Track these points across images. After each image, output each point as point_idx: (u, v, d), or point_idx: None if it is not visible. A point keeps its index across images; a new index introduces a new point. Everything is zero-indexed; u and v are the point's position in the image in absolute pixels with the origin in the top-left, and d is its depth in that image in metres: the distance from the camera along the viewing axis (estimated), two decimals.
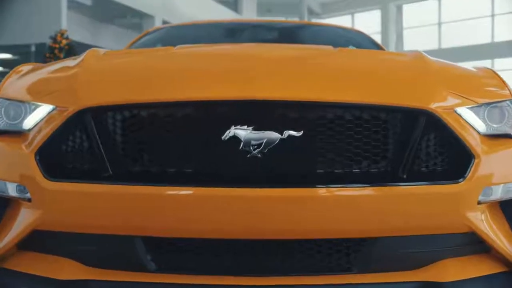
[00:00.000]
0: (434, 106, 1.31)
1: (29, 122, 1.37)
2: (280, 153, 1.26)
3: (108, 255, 1.33)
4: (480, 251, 1.39)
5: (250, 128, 1.25)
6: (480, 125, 1.36)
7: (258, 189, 1.23)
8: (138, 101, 1.30)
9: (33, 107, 1.38)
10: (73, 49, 11.74)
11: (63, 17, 12.98)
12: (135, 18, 16.44)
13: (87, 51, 1.63)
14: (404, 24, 25.29)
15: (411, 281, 1.32)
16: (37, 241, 1.35)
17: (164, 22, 15.72)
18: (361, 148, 1.30)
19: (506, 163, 1.37)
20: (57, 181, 1.28)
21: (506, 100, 1.44)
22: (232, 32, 3.06)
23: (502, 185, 1.34)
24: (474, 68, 1.67)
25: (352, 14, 26.24)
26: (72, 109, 1.30)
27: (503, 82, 1.54)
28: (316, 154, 1.29)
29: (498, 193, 1.34)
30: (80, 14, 15.34)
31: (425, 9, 24.21)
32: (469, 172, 1.30)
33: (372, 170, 1.30)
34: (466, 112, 1.36)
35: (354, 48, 2.69)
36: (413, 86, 1.39)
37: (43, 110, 1.36)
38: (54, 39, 11.78)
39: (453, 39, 22.59)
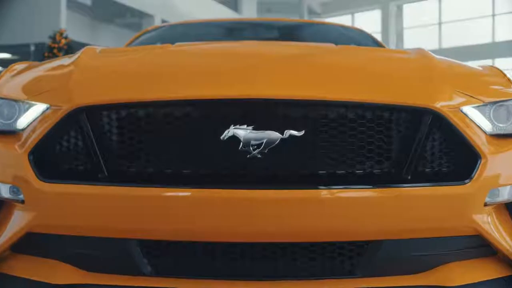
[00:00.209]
0: (439, 105, 1.28)
1: (23, 121, 1.33)
2: (281, 153, 1.22)
3: (103, 258, 1.29)
4: (486, 254, 1.35)
5: (250, 127, 1.22)
6: (487, 125, 1.33)
7: (258, 191, 1.19)
8: (134, 99, 1.27)
9: (26, 106, 1.34)
10: (72, 49, 11.70)
11: (62, 16, 12.96)
12: (134, 18, 16.44)
13: (83, 49, 1.60)
14: (404, 24, 25.26)
15: (416, 285, 1.28)
16: (31, 244, 1.32)
17: (164, 22, 15.70)
18: (364, 148, 1.26)
19: None
20: (51, 182, 1.25)
21: None
22: (232, 31, 3.03)
23: (509, 186, 1.31)
24: (480, 66, 1.63)
25: (352, 13, 26.22)
26: (66, 108, 1.27)
27: (509, 80, 1.51)
28: (318, 155, 1.25)
29: (505, 194, 1.31)
30: (80, 14, 15.32)
31: (426, 8, 24.18)
32: (475, 173, 1.26)
33: (376, 171, 1.27)
34: (472, 111, 1.32)
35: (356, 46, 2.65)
36: (417, 85, 1.35)
37: (37, 109, 1.32)
38: (53, 38, 11.76)
39: (454, 39, 22.56)
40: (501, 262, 1.34)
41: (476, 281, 1.31)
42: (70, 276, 1.29)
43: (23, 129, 1.32)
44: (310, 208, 1.21)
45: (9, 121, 1.35)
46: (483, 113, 1.34)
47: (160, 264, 1.28)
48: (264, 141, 1.22)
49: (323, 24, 3.75)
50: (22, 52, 13.17)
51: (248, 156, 1.22)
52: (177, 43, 1.72)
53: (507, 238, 1.31)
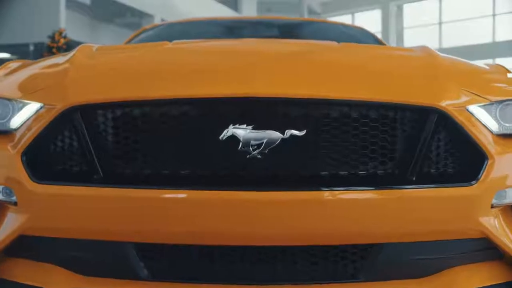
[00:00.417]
0: (445, 104, 1.24)
1: (16, 121, 1.29)
2: (282, 153, 1.19)
3: (99, 262, 1.25)
4: (492, 257, 1.31)
5: (250, 127, 1.18)
6: (493, 124, 1.29)
7: (258, 192, 1.16)
8: (131, 98, 1.23)
9: (20, 105, 1.31)
10: (71, 48, 11.63)
11: (62, 16, 12.94)
12: (134, 17, 16.44)
13: (78, 46, 1.56)
14: (405, 24, 25.24)
15: None
16: (24, 247, 1.28)
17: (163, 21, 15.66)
18: (367, 148, 1.22)
19: None
20: (44, 184, 1.21)
21: None
22: (232, 29, 3.00)
23: None
24: (485, 64, 1.60)
25: (353, 13, 26.20)
26: (60, 107, 1.23)
27: None
28: (320, 155, 1.22)
29: None
30: (79, 13, 15.31)
31: (426, 8, 24.15)
32: (482, 174, 1.22)
33: (379, 171, 1.23)
34: (478, 111, 1.29)
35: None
36: (422, 83, 1.32)
37: (30, 108, 1.29)
38: (52, 38, 11.73)
39: (454, 38, 22.53)
40: (508, 265, 1.31)
41: (482, 285, 1.27)
42: (65, 280, 1.26)
43: (16, 129, 1.29)
44: (312, 210, 1.17)
45: (2, 121, 1.31)
46: (489, 112, 1.30)
47: (157, 267, 1.24)
48: (264, 141, 1.18)
49: (324, 22, 3.71)
50: (21, 52, 13.14)
51: (247, 156, 1.18)
52: (175, 41, 1.68)
53: None
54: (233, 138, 1.18)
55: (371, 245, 1.23)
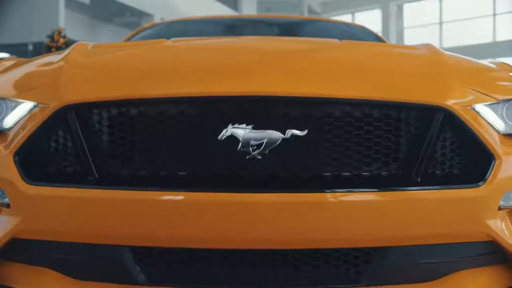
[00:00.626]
0: (451, 102, 1.20)
1: (10, 120, 1.26)
2: (282, 154, 1.15)
3: (94, 266, 1.22)
4: (499, 261, 1.28)
5: (249, 126, 1.15)
6: (499, 124, 1.25)
7: (257, 194, 1.12)
8: (126, 97, 1.19)
9: (13, 104, 1.27)
10: None
11: (61, 15, 12.92)
12: (133, 17, 16.43)
13: (74, 44, 1.53)
14: (405, 24, 25.22)
15: None
16: (17, 250, 1.24)
17: None
18: (371, 148, 1.19)
19: None
20: (37, 185, 1.18)
21: None
22: (232, 28, 2.97)
23: None
24: (491, 62, 1.56)
25: (353, 13, 26.19)
26: (53, 106, 1.20)
27: None
28: (322, 156, 1.18)
29: None
30: (79, 13, 15.30)
31: (426, 8, 24.13)
32: (489, 174, 1.19)
33: (383, 173, 1.20)
34: (484, 110, 1.25)
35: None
36: (427, 81, 1.28)
37: (24, 107, 1.25)
38: (51, 37, 11.69)
39: (454, 38, 22.50)
40: None
41: None
42: (59, 284, 1.22)
43: (9, 129, 1.25)
44: (314, 212, 1.13)
45: None
46: (496, 112, 1.27)
47: (154, 272, 1.20)
48: (265, 141, 1.15)
49: (325, 21, 3.67)
50: (20, 52, 13.10)
51: (247, 157, 1.15)
52: (173, 38, 1.65)
53: None
54: (233, 138, 1.15)
55: (375, 249, 1.19)
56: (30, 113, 1.23)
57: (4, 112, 1.28)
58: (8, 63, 1.51)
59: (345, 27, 3.03)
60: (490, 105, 1.26)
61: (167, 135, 1.19)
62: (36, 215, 1.19)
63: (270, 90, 1.17)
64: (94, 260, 1.21)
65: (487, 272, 1.27)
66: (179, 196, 1.13)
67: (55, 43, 11.63)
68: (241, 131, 1.15)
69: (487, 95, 1.28)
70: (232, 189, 1.12)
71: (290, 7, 24.41)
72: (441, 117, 1.19)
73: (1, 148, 1.22)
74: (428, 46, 1.55)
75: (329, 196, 1.13)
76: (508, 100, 1.29)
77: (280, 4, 25.21)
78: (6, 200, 1.20)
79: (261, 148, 1.14)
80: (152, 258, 1.20)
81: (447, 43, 23.06)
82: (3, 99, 1.29)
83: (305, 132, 1.16)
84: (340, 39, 1.82)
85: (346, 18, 25.63)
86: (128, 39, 2.85)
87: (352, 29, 3.02)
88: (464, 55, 1.60)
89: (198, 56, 1.45)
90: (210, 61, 1.35)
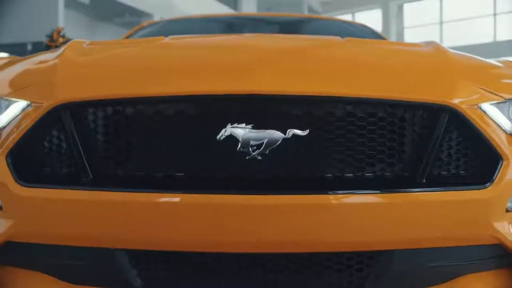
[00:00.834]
0: (457, 101, 1.17)
1: (2, 120, 1.22)
2: (283, 155, 1.11)
3: (89, 270, 1.18)
4: (506, 264, 1.24)
5: (249, 126, 1.11)
6: (507, 123, 1.22)
7: (257, 196, 1.08)
8: (122, 95, 1.16)
9: (6, 103, 1.24)
10: None
11: (60, 15, 12.89)
12: (133, 17, 16.41)
13: (69, 42, 1.49)
14: (405, 23, 25.20)
15: None
16: (10, 254, 1.20)
17: None
18: (375, 149, 1.15)
19: None
20: (31, 187, 1.14)
21: None
22: (232, 26, 2.94)
23: None
24: (497, 60, 1.53)
25: (353, 13, 26.17)
26: (47, 104, 1.16)
27: None
28: (324, 156, 1.14)
29: None
30: (78, 13, 15.28)
31: (426, 8, 24.10)
32: (496, 175, 1.15)
33: (387, 174, 1.16)
34: (491, 109, 1.21)
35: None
36: (432, 80, 1.24)
37: (17, 106, 1.22)
38: (50, 37, 11.65)
39: (455, 38, 22.45)
40: None
41: None
42: None
43: (1, 128, 1.22)
44: (316, 215, 1.10)
45: None
46: (502, 111, 1.23)
47: (151, 276, 1.17)
48: (265, 141, 1.11)
49: (325, 19, 3.64)
50: (19, 51, 13.00)
51: (247, 157, 1.11)
52: (170, 36, 1.61)
53: None
54: (232, 138, 1.11)
55: (380, 252, 1.16)
56: (23, 113, 1.20)
57: None
58: (1, 62, 1.48)
59: (346, 25, 3.00)
60: (497, 104, 1.23)
61: (164, 135, 1.15)
62: (30, 218, 1.16)
63: (270, 89, 1.13)
64: (89, 264, 1.17)
65: (495, 276, 1.24)
66: (176, 198, 1.09)
67: (54, 42, 11.57)
68: (241, 131, 1.11)
69: (494, 94, 1.25)
70: (231, 191, 1.09)
71: (290, 6, 24.39)
72: (447, 117, 1.16)
73: None
74: (432, 44, 1.51)
75: (331, 198, 1.09)
76: None
77: (280, 4, 25.18)
78: None
79: (261, 149, 1.11)
80: (149, 262, 1.17)
81: (447, 43, 22.98)
82: None
83: (307, 132, 1.12)
84: (342, 37, 1.78)
85: (346, 17, 25.55)
86: (127, 38, 2.81)
87: (353, 28, 2.98)
88: None
89: (197, 54, 1.42)
90: (209, 59, 1.32)
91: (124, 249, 1.15)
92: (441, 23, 23.84)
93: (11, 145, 1.17)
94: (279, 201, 1.08)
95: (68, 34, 12.31)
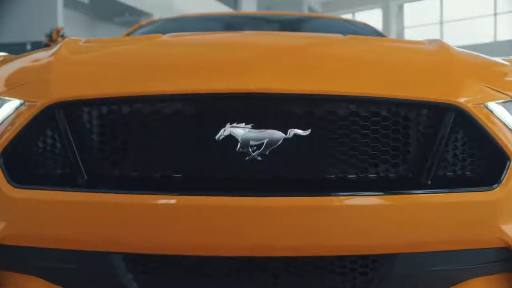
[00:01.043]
0: (463, 100, 1.14)
1: None
2: (284, 155, 1.08)
3: (84, 274, 1.14)
4: (510, 268, 1.20)
5: (249, 126, 1.08)
6: None
7: (257, 198, 1.05)
8: (118, 94, 1.13)
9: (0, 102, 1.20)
10: None
11: (59, 14, 12.88)
12: (133, 16, 16.40)
13: (64, 39, 1.46)
14: (405, 23, 25.20)
15: None
16: (2, 257, 1.17)
17: None
18: (378, 149, 1.12)
19: None
20: (23, 188, 1.11)
21: None
22: (232, 25, 2.92)
23: None
24: (503, 59, 1.49)
25: (353, 13, 26.18)
26: (41, 103, 1.13)
27: None
28: (326, 157, 1.11)
29: None
30: (77, 12, 15.28)
31: (427, 7, 24.09)
32: (504, 176, 1.12)
33: (391, 175, 1.13)
34: (497, 108, 1.18)
35: None
36: (438, 78, 1.21)
37: (10, 105, 1.18)
38: (49, 37, 11.62)
39: (455, 38, 22.41)
40: None
41: None
42: None
43: None
44: (317, 217, 1.06)
45: None
46: (509, 110, 1.20)
47: (147, 280, 1.13)
48: (265, 141, 1.08)
49: (326, 18, 3.61)
50: (18, 51, 12.88)
51: (246, 158, 1.08)
52: (168, 34, 1.58)
53: None
54: (231, 138, 1.08)
55: (383, 256, 1.12)
56: (17, 112, 1.16)
57: None
58: None
59: (347, 24, 2.98)
60: (503, 103, 1.20)
61: (161, 135, 1.12)
62: (22, 220, 1.13)
63: (270, 87, 1.10)
64: (84, 267, 1.13)
65: (500, 279, 1.20)
66: (173, 200, 1.06)
67: (53, 42, 11.54)
68: (240, 131, 1.08)
69: (501, 92, 1.21)
70: (230, 193, 1.05)
71: (290, 6, 24.39)
72: (453, 116, 1.13)
73: None
74: (436, 42, 1.48)
75: (334, 200, 1.06)
76: None
77: (280, 4, 25.18)
78: None
79: (261, 149, 1.08)
80: (145, 265, 1.13)
81: (448, 43, 22.98)
82: None
83: (308, 131, 1.09)
84: (344, 34, 1.75)
85: (346, 17, 25.62)
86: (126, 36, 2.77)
87: (354, 26, 2.96)
88: None
89: (195, 51, 1.39)
90: (208, 57, 1.29)
91: (120, 253, 1.11)
92: (441, 23, 23.83)
93: (3, 145, 1.13)
94: (280, 203, 1.05)
95: (68, 34, 12.28)
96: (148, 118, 1.12)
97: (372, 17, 24.92)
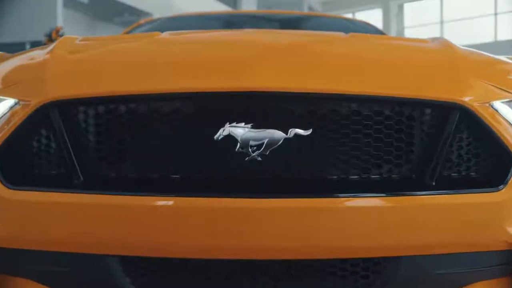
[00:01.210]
0: (468, 99, 1.11)
1: None
2: (285, 155, 1.06)
3: (80, 277, 1.12)
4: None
5: (249, 125, 1.06)
6: None
7: (257, 200, 1.02)
8: (114, 93, 1.10)
9: None
10: None
11: (59, 14, 12.87)
12: (132, 16, 16.40)
13: (60, 38, 1.43)
14: (406, 23, 25.19)
15: None
16: None
17: None
18: (381, 149, 1.10)
19: None
20: (17, 189, 1.08)
21: None
22: (232, 24, 2.89)
23: None
24: (508, 57, 1.47)
25: (353, 12, 26.17)
26: (35, 102, 1.10)
27: None
28: (328, 157, 1.09)
29: None
30: (77, 12, 15.27)
31: (427, 7, 24.07)
32: (510, 177, 1.09)
33: (394, 176, 1.11)
34: (503, 107, 1.16)
35: None
36: (442, 76, 1.19)
37: (5, 105, 1.16)
38: (49, 36, 11.59)
39: (455, 38, 22.35)
40: None
41: None
42: None
43: None
44: (319, 219, 1.04)
45: None
46: None
47: (145, 284, 1.11)
48: (265, 141, 1.05)
49: (327, 17, 3.58)
50: (18, 51, 12.94)
51: (246, 158, 1.06)
52: (166, 32, 1.55)
53: None
54: (230, 138, 1.05)
55: (386, 259, 1.10)
56: (11, 111, 1.14)
57: None
58: None
59: (348, 23, 2.95)
60: (509, 102, 1.17)
61: (158, 135, 1.10)
62: (17, 222, 1.10)
63: (271, 85, 1.08)
64: (80, 271, 1.11)
65: (506, 283, 1.17)
66: (171, 202, 1.04)
67: (53, 42, 11.54)
68: (240, 130, 1.05)
69: (506, 91, 1.19)
70: (229, 194, 1.03)
71: (290, 6, 24.38)
72: (458, 115, 1.10)
73: None
74: (439, 40, 1.46)
75: (335, 201, 1.04)
76: None
77: (280, 4, 25.18)
78: None
79: (261, 149, 1.05)
80: (143, 269, 1.11)
81: None
82: None
83: (310, 131, 1.06)
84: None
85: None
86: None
87: (355, 25, 2.94)
88: None
89: (193, 49, 1.36)
90: (206, 55, 1.26)
91: (118, 256, 1.09)
92: (441, 22, 23.81)
93: None
94: (281, 204, 1.03)
95: (68, 34, 12.26)
96: (145, 118, 1.10)
97: (372, 17, 24.90)
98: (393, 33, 24.22)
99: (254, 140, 1.05)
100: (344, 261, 1.10)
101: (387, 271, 1.10)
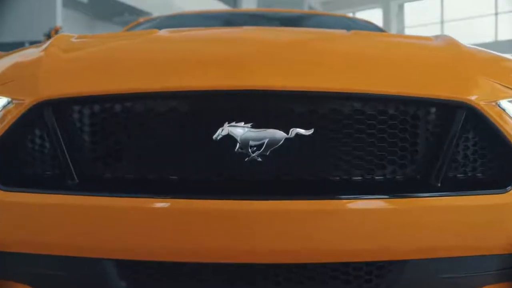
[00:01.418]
0: (474, 98, 1.08)
1: None
2: (285, 156, 1.03)
3: (75, 281, 1.09)
4: None
5: (248, 125, 1.03)
6: None
7: (257, 202, 0.99)
8: (109, 92, 1.07)
9: None
10: None
11: (58, 14, 12.86)
12: (132, 16, 16.39)
13: (56, 35, 1.40)
14: (406, 23, 25.18)
15: None
16: None
17: None
18: (385, 150, 1.07)
19: None
20: (11, 191, 1.05)
21: None
22: (232, 22, 2.86)
23: None
24: None
25: (353, 12, 26.18)
26: (29, 101, 1.07)
27: None
28: (330, 158, 1.06)
29: None
30: (77, 12, 15.27)
31: (427, 7, 24.05)
32: None
33: (399, 177, 1.08)
34: (510, 106, 1.13)
35: None
36: (447, 75, 1.16)
37: None
38: (48, 36, 11.59)
39: (456, 38, 22.40)
40: None
41: None
42: None
43: None
44: (321, 222, 1.01)
45: None
46: None
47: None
48: (265, 141, 1.02)
49: (328, 15, 3.54)
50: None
51: (246, 159, 1.03)
52: (164, 29, 1.52)
53: None
54: (229, 138, 1.03)
55: (390, 262, 1.07)
56: (4, 110, 1.11)
57: None
58: None
59: (349, 21, 2.92)
60: None
61: (155, 135, 1.07)
62: (10, 225, 1.07)
63: (271, 84, 1.04)
64: (75, 275, 1.08)
65: None
66: (169, 204, 1.01)
67: None
68: (239, 130, 1.03)
69: None
70: (228, 196, 1.00)
71: (290, 6, 24.38)
72: (464, 114, 1.07)
73: None
74: (444, 37, 1.43)
75: (338, 203, 1.01)
76: None
77: (280, 3, 25.18)
78: None
79: (262, 149, 1.02)
80: (139, 273, 1.08)
81: None
82: None
83: (311, 131, 1.03)
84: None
85: None
86: None
87: (357, 24, 2.91)
88: None
89: (191, 47, 1.33)
90: (205, 52, 1.23)
91: (113, 259, 1.06)
92: (442, 22, 23.79)
93: None
94: (281, 206, 1.00)
95: (67, 33, 12.24)
96: (142, 117, 1.07)
97: (373, 17, 24.88)
98: (393, 32, 24.23)
99: (254, 140, 1.03)
100: (346, 264, 1.07)
101: (391, 275, 1.07)
